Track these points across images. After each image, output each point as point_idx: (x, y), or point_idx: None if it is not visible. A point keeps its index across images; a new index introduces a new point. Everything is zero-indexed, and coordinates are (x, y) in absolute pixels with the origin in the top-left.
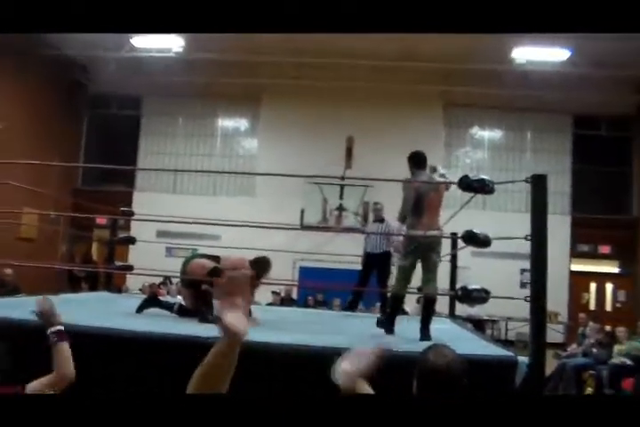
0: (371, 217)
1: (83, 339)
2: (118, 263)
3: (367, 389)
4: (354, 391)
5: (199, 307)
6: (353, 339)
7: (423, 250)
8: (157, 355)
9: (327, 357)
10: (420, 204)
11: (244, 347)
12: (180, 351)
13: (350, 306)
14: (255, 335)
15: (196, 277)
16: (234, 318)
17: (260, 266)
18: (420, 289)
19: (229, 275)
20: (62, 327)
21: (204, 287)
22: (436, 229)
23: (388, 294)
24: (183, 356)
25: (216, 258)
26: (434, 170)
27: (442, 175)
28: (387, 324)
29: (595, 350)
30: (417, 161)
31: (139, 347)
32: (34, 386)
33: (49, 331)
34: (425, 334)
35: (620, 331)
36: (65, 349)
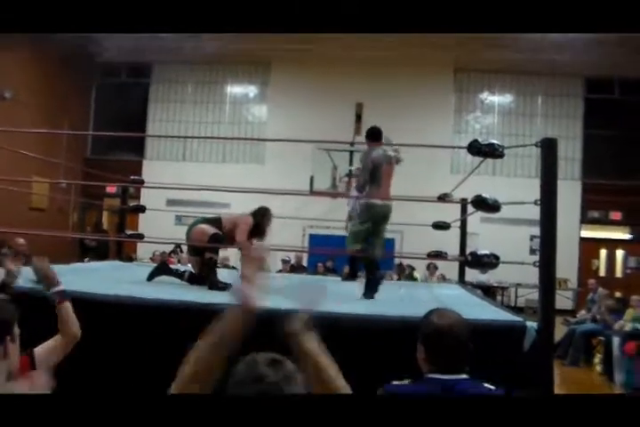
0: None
1: (94, 306)
2: (129, 232)
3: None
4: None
5: (206, 274)
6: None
7: (378, 218)
8: (168, 322)
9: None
10: (377, 175)
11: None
12: (191, 318)
13: (351, 276)
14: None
15: (199, 243)
16: (250, 292)
17: (261, 216)
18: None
19: (247, 252)
20: (63, 287)
21: (207, 255)
22: (389, 199)
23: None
24: (194, 322)
25: (217, 220)
26: (388, 140)
27: (395, 150)
28: (370, 288)
29: (603, 315)
30: (374, 135)
31: (150, 314)
32: (42, 348)
33: (51, 291)
34: (370, 294)
35: (635, 299)
36: (68, 307)
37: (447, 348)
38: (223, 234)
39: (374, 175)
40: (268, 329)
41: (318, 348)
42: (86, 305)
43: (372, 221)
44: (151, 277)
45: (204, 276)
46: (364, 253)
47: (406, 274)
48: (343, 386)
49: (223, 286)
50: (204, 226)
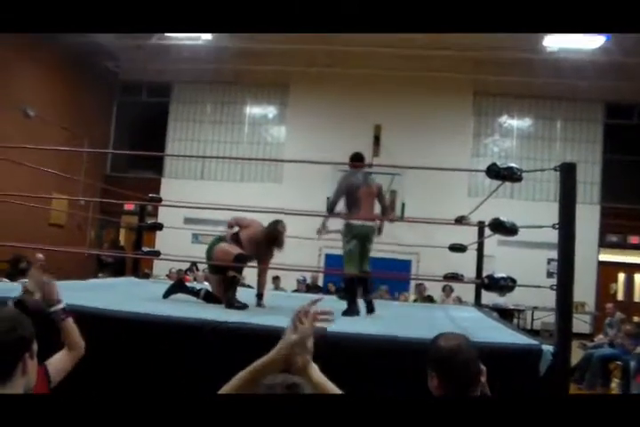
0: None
1: (109, 323)
2: (145, 249)
3: (318, 373)
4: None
5: (226, 292)
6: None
7: (359, 237)
8: (182, 339)
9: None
10: (354, 197)
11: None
12: (206, 336)
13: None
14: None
15: (223, 263)
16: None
17: (274, 225)
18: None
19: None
20: (63, 304)
21: (230, 274)
22: (371, 220)
23: None
24: (208, 340)
25: (236, 236)
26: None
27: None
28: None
29: (622, 340)
30: (355, 159)
31: (163, 331)
32: (54, 360)
33: (54, 309)
34: (350, 310)
35: None
36: (71, 323)
37: (457, 368)
38: (228, 238)
39: (351, 197)
40: None
41: (323, 377)
42: (101, 321)
43: (356, 239)
44: (167, 294)
45: (227, 294)
46: (364, 273)
47: (425, 296)
48: None
49: (240, 306)
50: (227, 245)
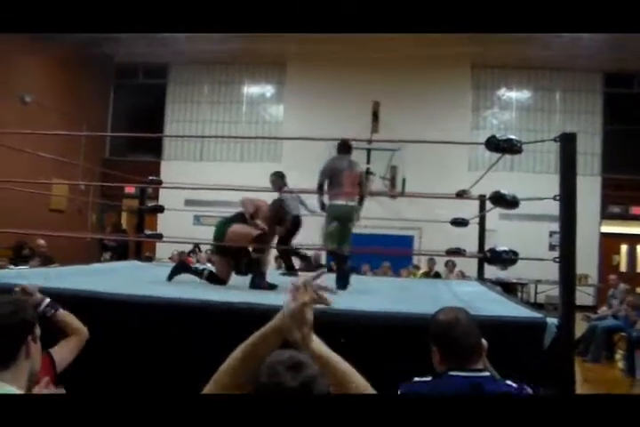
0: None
1: (111, 307)
2: (148, 232)
3: (321, 344)
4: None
5: (254, 272)
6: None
7: (341, 216)
8: (187, 321)
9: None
10: (338, 179)
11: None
12: (211, 317)
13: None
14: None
15: (239, 244)
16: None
17: (277, 212)
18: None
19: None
20: (47, 300)
21: (254, 256)
22: (352, 201)
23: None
24: (214, 321)
25: (241, 215)
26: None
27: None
28: (343, 279)
29: (626, 311)
30: (341, 147)
31: (169, 313)
32: (58, 348)
33: (42, 306)
34: (342, 284)
35: None
36: (65, 313)
37: (457, 340)
38: (249, 218)
39: (335, 179)
40: None
41: (329, 350)
42: (105, 305)
43: (337, 220)
44: (171, 276)
45: (250, 271)
46: (339, 250)
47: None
48: (364, 386)
49: (269, 286)
50: (241, 227)
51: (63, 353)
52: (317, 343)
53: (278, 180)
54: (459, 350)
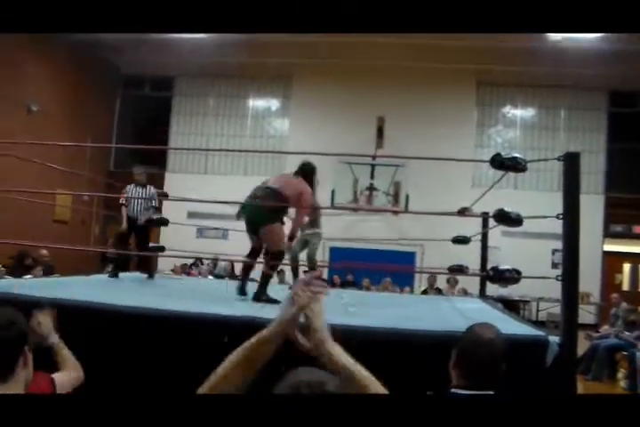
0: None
1: (115, 318)
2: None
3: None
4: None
5: (263, 285)
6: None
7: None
8: (191, 335)
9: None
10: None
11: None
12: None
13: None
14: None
15: (274, 245)
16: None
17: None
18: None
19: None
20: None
21: (266, 271)
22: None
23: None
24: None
25: (273, 194)
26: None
27: None
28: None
29: (627, 331)
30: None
31: (172, 326)
32: (60, 375)
33: (51, 341)
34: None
35: None
36: (66, 348)
37: (483, 361)
38: (285, 205)
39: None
40: None
41: (350, 359)
42: (106, 316)
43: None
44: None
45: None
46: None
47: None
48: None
49: (270, 300)
50: (280, 230)
51: (64, 381)
52: (338, 352)
53: None
54: (478, 371)
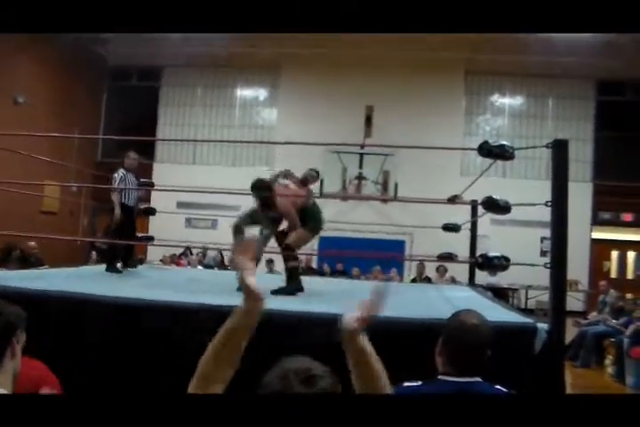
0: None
1: (102, 309)
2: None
3: (367, 343)
4: (356, 342)
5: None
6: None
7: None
8: (184, 324)
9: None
10: None
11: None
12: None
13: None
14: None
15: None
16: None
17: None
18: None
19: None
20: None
21: (292, 264)
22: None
23: None
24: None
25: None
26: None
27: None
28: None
29: (614, 318)
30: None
31: (162, 316)
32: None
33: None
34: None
35: None
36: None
37: (468, 347)
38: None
39: None
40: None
41: (370, 347)
42: (96, 307)
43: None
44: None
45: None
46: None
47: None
48: (387, 386)
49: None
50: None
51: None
52: (361, 338)
53: None
54: (464, 358)
